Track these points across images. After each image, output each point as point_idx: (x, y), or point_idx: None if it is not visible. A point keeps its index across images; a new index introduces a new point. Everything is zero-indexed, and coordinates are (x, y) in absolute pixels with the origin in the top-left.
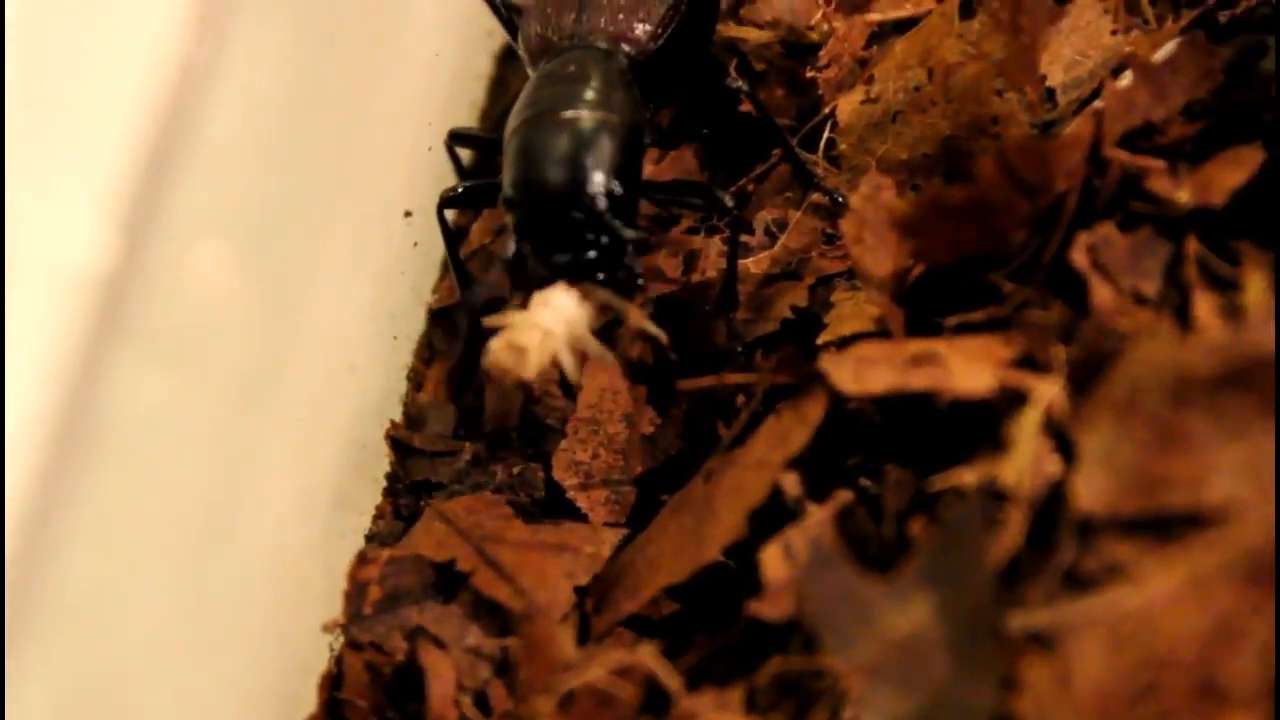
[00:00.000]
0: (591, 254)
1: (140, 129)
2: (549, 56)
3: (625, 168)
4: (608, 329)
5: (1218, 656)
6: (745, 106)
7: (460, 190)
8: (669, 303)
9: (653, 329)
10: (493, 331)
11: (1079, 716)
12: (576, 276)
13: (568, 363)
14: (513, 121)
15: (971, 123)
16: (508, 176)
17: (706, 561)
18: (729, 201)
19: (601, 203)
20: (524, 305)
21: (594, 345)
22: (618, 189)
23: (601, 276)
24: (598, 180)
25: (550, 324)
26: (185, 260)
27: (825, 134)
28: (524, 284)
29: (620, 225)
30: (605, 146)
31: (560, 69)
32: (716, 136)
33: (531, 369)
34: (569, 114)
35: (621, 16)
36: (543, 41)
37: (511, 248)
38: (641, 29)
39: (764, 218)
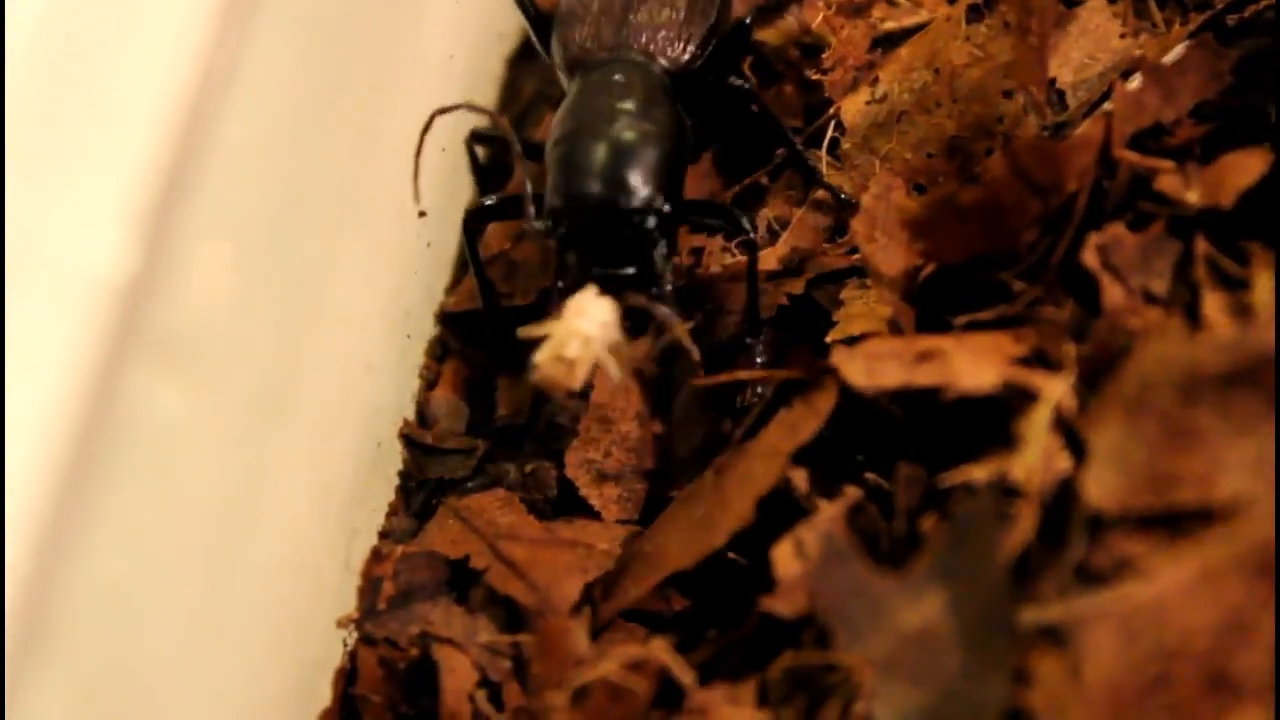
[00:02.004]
0: (632, 269)
1: (158, 134)
2: (588, 68)
3: (672, 185)
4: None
5: (1228, 649)
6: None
7: (486, 204)
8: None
9: (689, 343)
10: (524, 342)
11: (1090, 710)
12: (618, 289)
13: (611, 366)
14: (558, 130)
15: (977, 123)
16: (554, 186)
17: (715, 547)
18: (748, 225)
19: (651, 220)
20: (557, 314)
21: (627, 348)
22: (666, 207)
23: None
24: (648, 197)
25: (588, 331)
26: (203, 263)
27: (829, 133)
28: (566, 292)
29: (664, 245)
30: (655, 162)
31: (605, 79)
32: (722, 136)
33: (579, 379)
34: (618, 126)
35: (663, 33)
36: (582, 51)
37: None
38: (683, 47)
39: (767, 215)
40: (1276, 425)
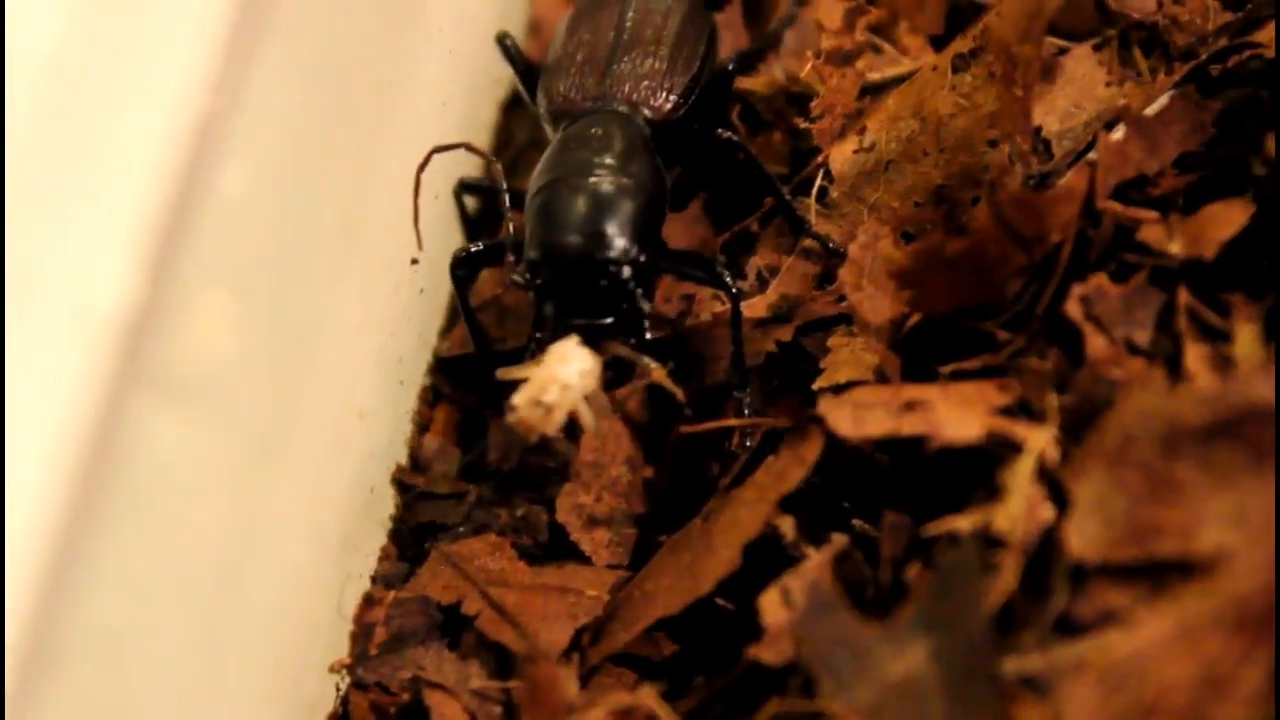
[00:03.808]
0: (609, 319)
1: (159, 180)
2: (571, 118)
3: (649, 236)
4: (612, 381)
5: (1207, 703)
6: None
7: (472, 250)
8: (665, 347)
9: (671, 386)
10: (508, 383)
11: None
12: (595, 338)
13: (585, 415)
14: (538, 181)
15: (963, 172)
16: (532, 238)
17: (701, 594)
18: (728, 279)
19: (627, 271)
20: (538, 359)
21: (603, 398)
22: (642, 258)
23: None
24: (624, 248)
25: (567, 378)
26: (199, 309)
27: (818, 181)
28: (545, 342)
29: (641, 295)
30: (631, 214)
31: (584, 132)
32: (713, 184)
33: (554, 425)
34: (595, 179)
35: (646, 84)
36: (565, 102)
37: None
38: (665, 98)
39: (756, 263)
40: (1276, 478)
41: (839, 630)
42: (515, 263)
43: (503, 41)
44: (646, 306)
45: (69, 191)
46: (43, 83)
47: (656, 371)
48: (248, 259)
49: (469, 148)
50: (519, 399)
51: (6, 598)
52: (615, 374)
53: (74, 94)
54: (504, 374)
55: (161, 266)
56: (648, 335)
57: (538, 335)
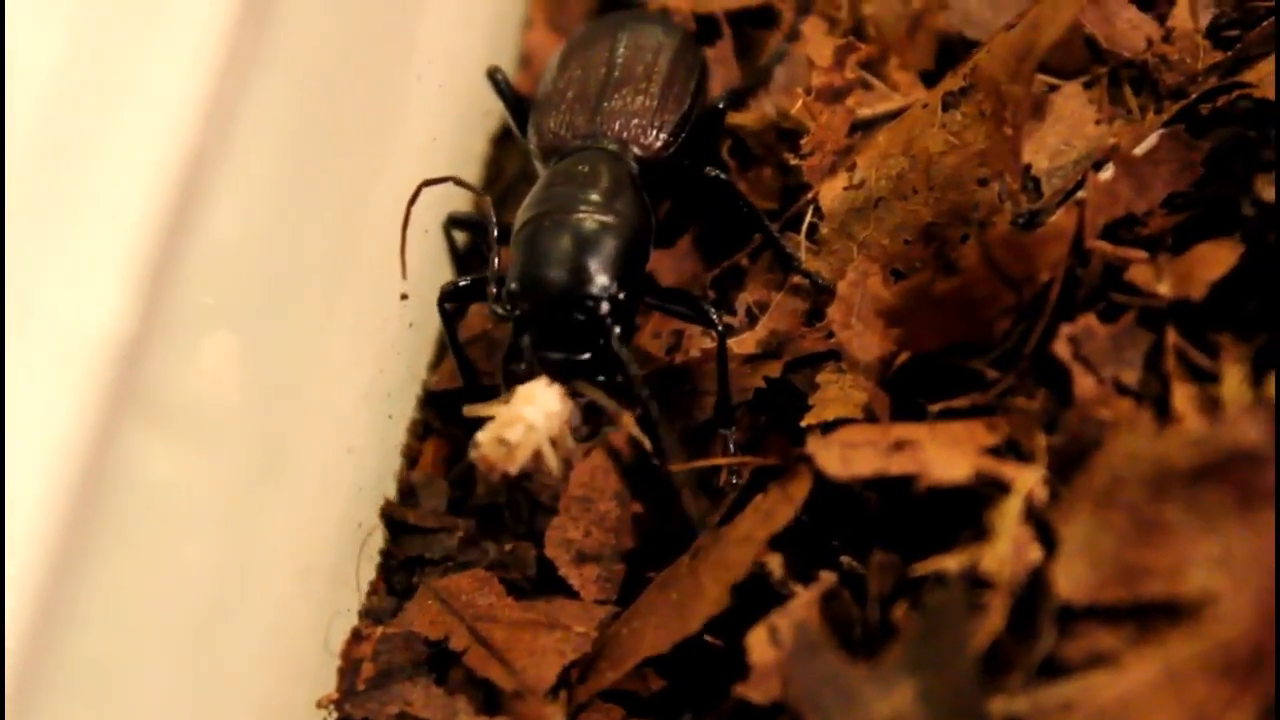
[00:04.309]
0: (587, 355)
1: (151, 214)
2: (560, 155)
3: (629, 273)
4: (590, 421)
5: None
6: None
7: (459, 285)
8: (653, 383)
9: (639, 434)
10: (477, 420)
11: None
12: (571, 375)
13: (549, 457)
14: (523, 216)
15: (953, 210)
16: (514, 271)
17: (689, 633)
18: (715, 318)
19: (605, 307)
20: (507, 398)
21: (570, 442)
22: (621, 295)
23: (599, 377)
24: (603, 284)
25: (533, 419)
26: (190, 342)
27: (808, 218)
28: (520, 375)
29: (619, 332)
30: (612, 251)
31: (571, 169)
32: (703, 220)
33: (516, 464)
34: (579, 216)
35: (635, 122)
36: (555, 138)
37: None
38: (655, 136)
39: (745, 299)
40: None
41: (826, 670)
42: (497, 294)
43: (493, 76)
44: (617, 347)
45: (62, 222)
46: (38, 113)
47: (625, 420)
48: (238, 292)
49: (458, 181)
50: (483, 435)
51: (6, 631)
52: (595, 414)
53: (69, 125)
54: (470, 411)
55: (152, 301)
56: (629, 371)
57: (511, 367)
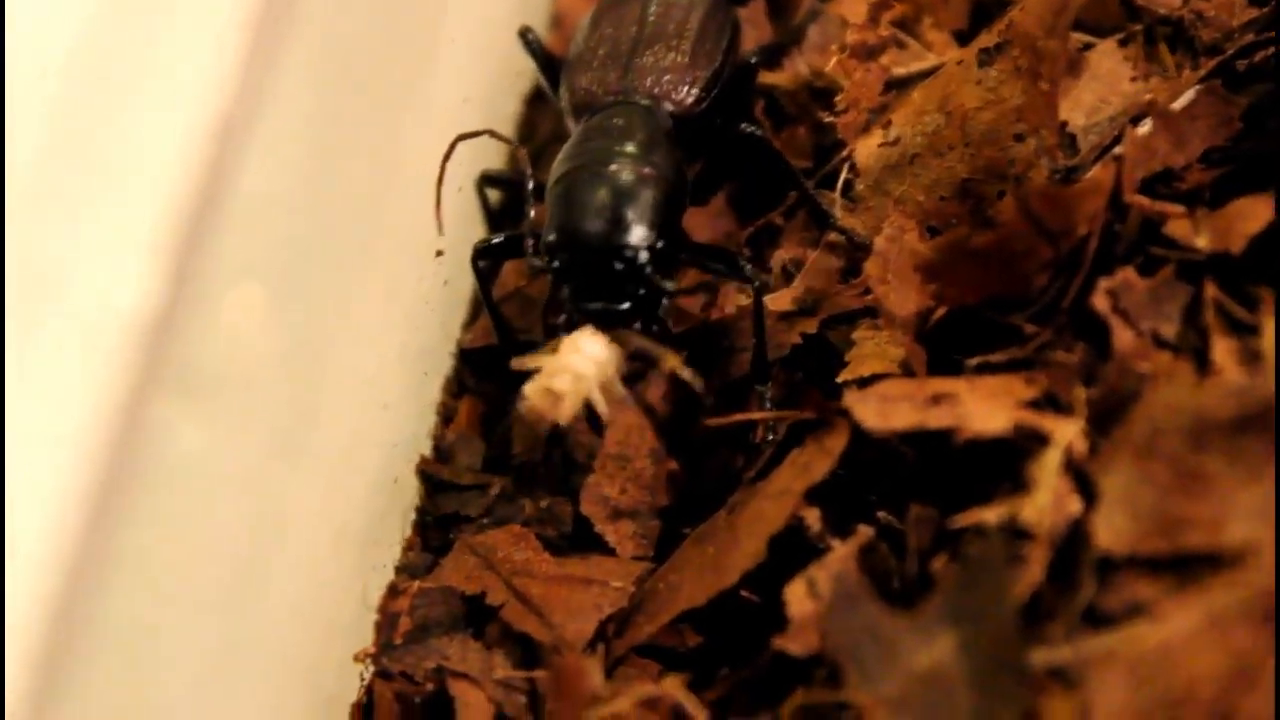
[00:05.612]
0: (627, 304)
1: (182, 176)
2: (592, 110)
3: (667, 224)
4: (635, 372)
5: (1235, 695)
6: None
7: (493, 242)
8: (690, 340)
9: (688, 375)
10: (524, 373)
11: None
12: (612, 324)
13: (600, 405)
14: (558, 170)
15: (989, 166)
16: (552, 223)
17: (726, 586)
18: (750, 274)
19: (644, 256)
20: (554, 348)
21: (619, 389)
22: (659, 244)
23: (636, 325)
24: (641, 234)
25: (581, 368)
26: (224, 304)
27: (843, 175)
28: (561, 327)
29: (659, 279)
30: (650, 202)
31: (606, 123)
32: (737, 178)
33: (566, 414)
34: (615, 167)
35: (667, 78)
36: (588, 95)
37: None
38: (687, 92)
39: (782, 256)
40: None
41: (865, 621)
42: (534, 247)
43: (525, 36)
44: (670, 285)
45: (92, 189)
46: (66, 81)
47: (672, 360)
48: (271, 254)
49: (493, 134)
50: (531, 388)
51: (30, 593)
52: (636, 368)
53: (96, 92)
54: (518, 363)
55: (184, 263)
56: (668, 323)
57: (554, 319)
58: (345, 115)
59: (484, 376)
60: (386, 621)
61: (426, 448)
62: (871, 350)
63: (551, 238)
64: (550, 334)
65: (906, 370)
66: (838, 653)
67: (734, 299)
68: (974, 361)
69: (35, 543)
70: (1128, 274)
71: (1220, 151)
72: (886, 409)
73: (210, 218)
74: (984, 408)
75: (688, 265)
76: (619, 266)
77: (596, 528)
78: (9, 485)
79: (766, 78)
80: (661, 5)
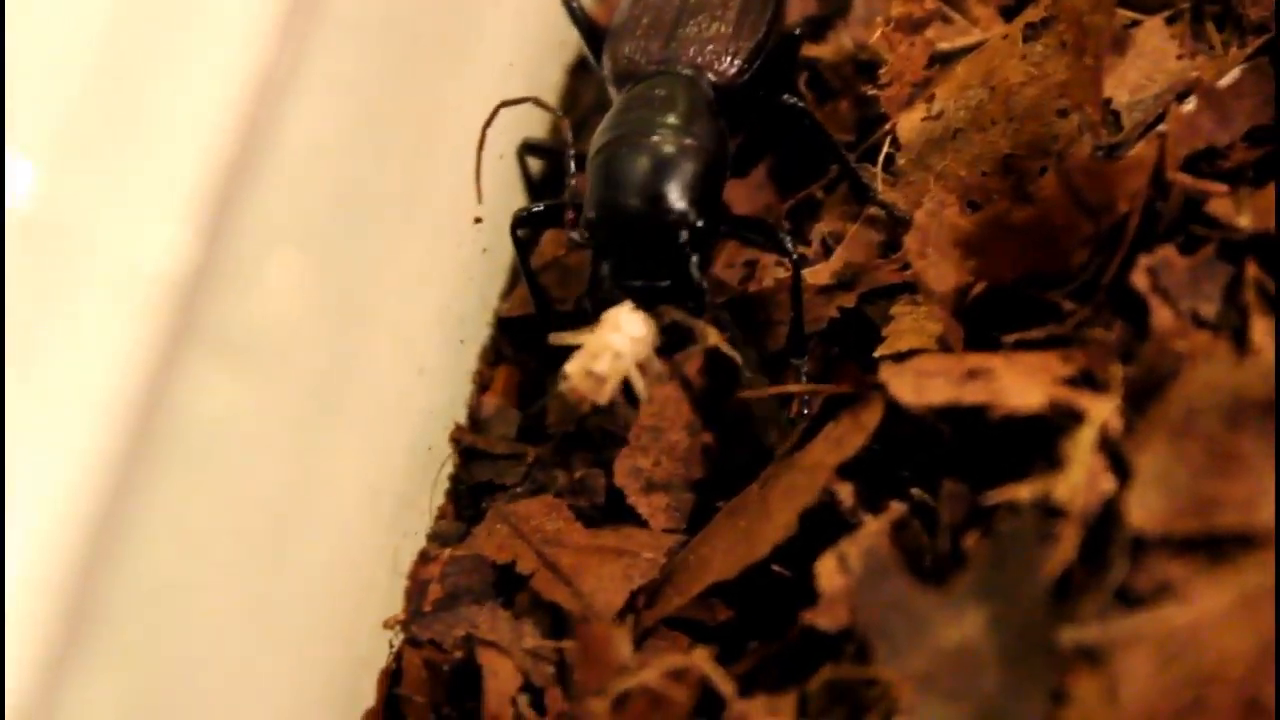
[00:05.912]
0: (665, 282)
1: (219, 136)
2: (634, 80)
3: (708, 200)
4: (672, 346)
5: (1264, 676)
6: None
7: (533, 210)
8: (727, 312)
9: (728, 350)
10: (562, 348)
11: None
12: (653, 302)
13: (638, 382)
14: (598, 141)
15: (1032, 142)
16: (591, 197)
17: (757, 559)
18: (790, 247)
19: (684, 235)
20: (591, 326)
21: (657, 365)
22: (700, 222)
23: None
24: (681, 209)
25: (620, 345)
26: (261, 265)
27: (884, 149)
28: (601, 303)
29: (697, 260)
30: (691, 174)
31: (647, 92)
32: (778, 150)
33: (606, 395)
34: (656, 139)
35: (711, 48)
36: (630, 64)
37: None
38: (730, 62)
39: (821, 229)
40: None
41: (895, 596)
42: (574, 220)
43: (569, 4)
44: (696, 275)
45: (128, 148)
46: (102, 39)
47: (712, 335)
48: (310, 215)
49: (537, 102)
50: (571, 367)
51: (59, 551)
52: (673, 339)
53: (134, 50)
54: (556, 339)
55: (221, 222)
56: (705, 299)
57: (593, 295)
58: (388, 77)
59: (521, 346)
60: (417, 588)
61: (462, 415)
62: (909, 325)
63: (591, 214)
64: (594, 308)
65: (944, 346)
66: (867, 628)
67: (772, 272)
68: (1011, 338)
69: (66, 502)
70: (1168, 252)
71: (1265, 130)
72: (922, 384)
73: (249, 176)
74: (1020, 384)
75: (727, 237)
76: (659, 242)
77: (629, 499)
78: (40, 443)
79: (810, 50)
80: None
